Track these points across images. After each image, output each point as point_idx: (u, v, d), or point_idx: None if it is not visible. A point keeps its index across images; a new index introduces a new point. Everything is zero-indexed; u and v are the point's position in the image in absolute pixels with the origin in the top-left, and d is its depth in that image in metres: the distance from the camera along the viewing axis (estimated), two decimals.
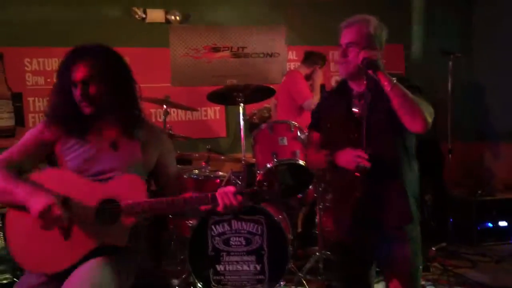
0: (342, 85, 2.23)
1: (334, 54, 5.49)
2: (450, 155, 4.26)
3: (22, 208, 1.81)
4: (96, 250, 1.82)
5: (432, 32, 5.09)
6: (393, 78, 1.95)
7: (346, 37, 2.09)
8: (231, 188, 1.88)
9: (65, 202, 1.83)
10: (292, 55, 5.42)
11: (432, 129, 1.96)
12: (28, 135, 2.02)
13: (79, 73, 1.89)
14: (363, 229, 2.07)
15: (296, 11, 5.33)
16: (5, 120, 4.39)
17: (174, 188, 2.09)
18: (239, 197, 1.87)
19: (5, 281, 2.79)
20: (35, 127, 2.05)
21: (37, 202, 1.76)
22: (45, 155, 2.03)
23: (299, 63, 5.27)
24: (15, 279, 2.78)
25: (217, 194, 1.87)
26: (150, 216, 1.93)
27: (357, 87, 2.15)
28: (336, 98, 2.24)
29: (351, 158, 1.97)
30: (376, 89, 1.99)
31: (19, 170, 1.93)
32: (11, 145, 4.48)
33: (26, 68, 4.52)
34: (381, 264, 2.16)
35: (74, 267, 1.79)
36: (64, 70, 1.93)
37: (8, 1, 4.51)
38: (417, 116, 1.91)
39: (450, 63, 4.12)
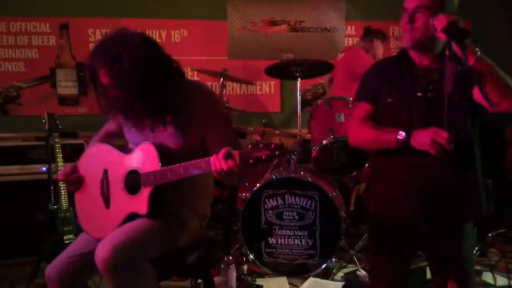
0: (403, 56, 1.93)
1: (394, 30, 5.32)
2: None
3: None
4: (130, 217, 1.92)
5: (500, 6, 4.83)
6: (476, 49, 1.68)
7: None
8: (221, 152, 1.69)
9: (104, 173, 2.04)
10: (350, 30, 5.28)
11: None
12: None
13: (103, 78, 1.87)
14: (420, 222, 1.83)
15: None
16: (69, 88, 4.57)
17: None
18: (229, 161, 1.66)
19: (67, 241, 2.93)
20: None
21: None
22: None
23: (357, 39, 5.16)
24: None
25: (211, 159, 1.73)
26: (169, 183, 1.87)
27: (420, 60, 1.88)
28: (397, 69, 1.91)
29: (432, 138, 1.68)
30: (449, 62, 1.71)
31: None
32: (75, 112, 4.69)
33: (89, 38, 4.66)
34: (433, 260, 1.98)
35: None
36: (92, 72, 1.92)
37: None
38: (508, 93, 1.68)
39: None
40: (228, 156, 1.66)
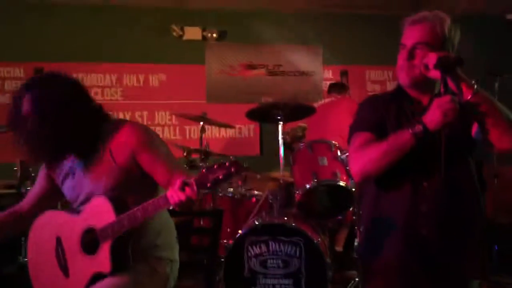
0: (400, 93, 1.79)
1: (370, 73, 5.42)
2: (496, 180, 4.09)
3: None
4: (94, 278, 1.82)
5: (477, 52, 4.98)
6: (472, 82, 1.57)
7: (413, 35, 1.68)
8: (176, 184, 1.64)
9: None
10: (328, 74, 5.35)
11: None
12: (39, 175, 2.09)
13: (25, 107, 1.84)
14: (419, 278, 1.68)
15: (333, 31, 5.29)
16: None
17: None
18: (187, 189, 1.62)
19: None
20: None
21: None
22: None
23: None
24: None
25: (167, 194, 1.69)
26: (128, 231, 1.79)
27: (418, 99, 1.76)
28: (397, 105, 1.78)
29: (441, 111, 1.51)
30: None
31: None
32: None
33: None
34: None
35: None
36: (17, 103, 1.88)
37: (48, 18, 4.60)
38: (510, 129, 1.58)
39: (497, 84, 3.98)
40: (184, 186, 1.62)
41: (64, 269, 1.89)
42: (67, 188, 1.99)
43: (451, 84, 1.56)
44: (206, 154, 3.74)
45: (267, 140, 5.00)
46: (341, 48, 5.26)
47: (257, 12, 5.12)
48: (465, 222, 1.69)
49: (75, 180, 1.95)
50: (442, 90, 1.55)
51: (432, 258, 1.67)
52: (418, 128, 1.57)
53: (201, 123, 3.84)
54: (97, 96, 4.70)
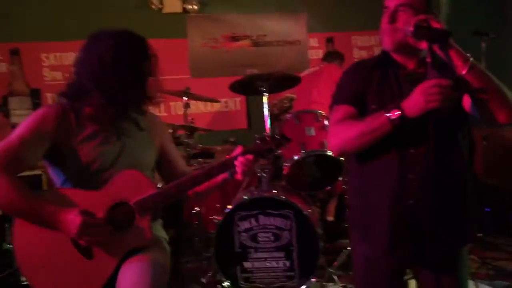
0: (385, 58, 1.69)
1: (357, 40, 5.32)
2: (485, 142, 4.06)
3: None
4: (125, 255, 1.74)
5: (460, 12, 4.89)
6: (468, 54, 1.46)
7: None
8: (237, 150, 1.84)
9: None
10: (313, 42, 5.25)
11: None
12: (31, 124, 1.74)
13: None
14: (408, 248, 1.65)
15: None
16: (24, 117, 4.32)
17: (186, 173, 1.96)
18: (250, 157, 1.81)
19: (25, 283, 2.72)
20: (38, 114, 1.76)
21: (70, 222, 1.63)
22: (45, 151, 1.76)
23: (321, 51, 5.13)
24: None
25: (236, 161, 1.81)
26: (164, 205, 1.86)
27: (405, 63, 1.66)
28: (381, 72, 1.67)
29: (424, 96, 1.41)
30: (432, 70, 1.44)
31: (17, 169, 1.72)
32: None
33: (43, 63, 4.45)
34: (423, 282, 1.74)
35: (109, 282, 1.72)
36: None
37: None
38: (505, 104, 1.49)
39: (484, 44, 3.89)
40: (246, 152, 1.81)
41: (86, 250, 1.70)
42: (96, 150, 1.77)
43: (442, 55, 1.46)
44: (191, 130, 3.66)
45: (255, 113, 4.92)
46: (326, 15, 5.14)
47: None
48: (454, 188, 1.65)
49: (115, 144, 1.81)
50: (428, 60, 1.44)
51: (421, 228, 1.62)
52: (395, 113, 1.48)
53: (185, 98, 3.74)
54: None
